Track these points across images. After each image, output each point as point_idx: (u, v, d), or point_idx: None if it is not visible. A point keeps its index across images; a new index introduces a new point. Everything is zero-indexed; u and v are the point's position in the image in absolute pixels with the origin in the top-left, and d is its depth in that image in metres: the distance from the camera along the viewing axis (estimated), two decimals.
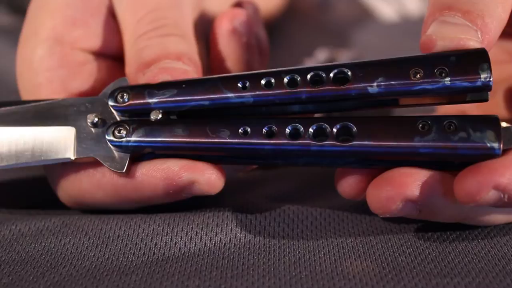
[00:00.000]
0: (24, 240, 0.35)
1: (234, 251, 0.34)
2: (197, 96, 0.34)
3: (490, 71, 0.31)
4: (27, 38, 0.40)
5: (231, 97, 0.34)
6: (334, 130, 0.32)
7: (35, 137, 0.35)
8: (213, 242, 0.34)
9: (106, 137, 0.35)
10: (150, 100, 0.35)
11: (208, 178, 0.34)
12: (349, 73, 0.33)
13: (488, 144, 0.31)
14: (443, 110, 0.39)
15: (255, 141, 0.33)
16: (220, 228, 0.35)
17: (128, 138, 0.34)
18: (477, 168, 0.30)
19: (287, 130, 0.33)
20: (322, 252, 0.33)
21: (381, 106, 0.35)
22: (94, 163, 0.35)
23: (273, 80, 0.34)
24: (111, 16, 0.40)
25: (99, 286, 0.31)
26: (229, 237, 0.35)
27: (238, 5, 0.42)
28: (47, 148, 0.35)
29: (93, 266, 0.33)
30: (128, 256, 0.33)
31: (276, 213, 0.36)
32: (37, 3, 0.40)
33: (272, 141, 0.33)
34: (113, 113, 0.36)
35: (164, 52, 0.36)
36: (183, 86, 0.35)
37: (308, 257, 0.33)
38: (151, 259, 0.33)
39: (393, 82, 0.32)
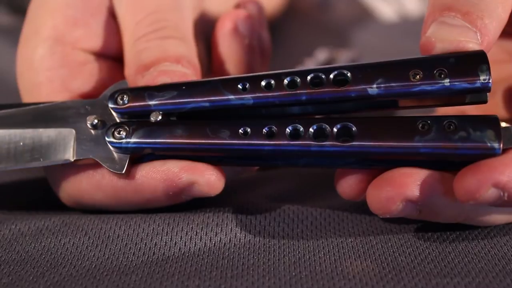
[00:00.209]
0: (24, 240, 0.35)
1: (234, 251, 0.34)
2: (197, 97, 0.34)
3: (489, 72, 0.32)
4: (27, 37, 0.40)
5: (231, 98, 0.34)
6: (335, 130, 0.33)
7: (34, 139, 0.35)
8: (213, 242, 0.34)
9: (106, 138, 0.35)
10: (150, 102, 0.35)
11: (208, 179, 0.34)
12: (349, 74, 0.33)
13: (488, 143, 0.31)
14: (442, 110, 0.39)
15: (255, 141, 0.33)
16: (220, 228, 0.35)
17: (127, 139, 0.34)
18: (476, 166, 0.30)
19: (287, 131, 0.33)
20: (322, 252, 0.33)
21: (381, 108, 0.35)
22: (94, 165, 0.35)
23: (273, 82, 0.34)
24: (112, 17, 0.40)
25: (99, 286, 0.31)
26: (229, 237, 0.35)
27: (241, 5, 0.42)
28: (47, 150, 0.35)
29: (93, 266, 0.33)
30: (128, 256, 0.33)
31: (276, 213, 0.36)
32: (38, 3, 0.40)
33: (272, 142, 0.33)
34: (113, 115, 0.36)
35: (163, 55, 0.36)
36: (183, 87, 0.35)
37: (308, 257, 0.33)
38: (151, 259, 0.33)
39: (392, 83, 0.32)
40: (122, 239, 0.34)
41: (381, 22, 0.69)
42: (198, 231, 0.35)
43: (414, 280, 0.31)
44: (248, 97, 0.34)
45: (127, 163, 0.34)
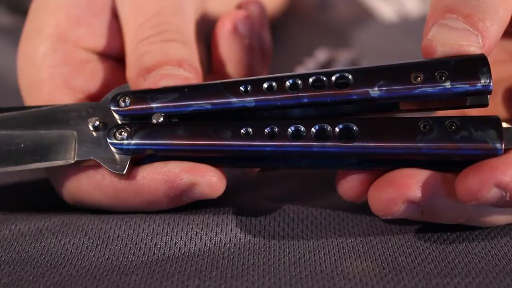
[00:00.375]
0: (24, 240, 0.35)
1: (234, 251, 0.34)
2: (199, 99, 0.35)
3: (490, 75, 0.32)
4: (29, 35, 0.40)
5: (233, 101, 0.34)
6: (337, 130, 0.33)
7: (35, 140, 0.35)
8: (213, 242, 0.34)
9: (107, 139, 0.35)
10: (152, 104, 0.35)
11: (209, 180, 0.34)
12: (350, 77, 0.33)
13: (491, 143, 0.31)
14: (443, 113, 0.39)
15: (257, 142, 0.33)
16: (220, 228, 0.35)
17: (129, 140, 0.34)
18: (478, 166, 0.30)
19: (289, 131, 0.33)
20: (322, 252, 0.33)
21: (382, 110, 0.35)
22: (96, 165, 0.35)
23: (274, 84, 0.34)
24: (115, 17, 0.40)
25: (99, 286, 0.31)
26: (229, 237, 0.35)
27: (242, 6, 0.42)
28: (48, 151, 0.35)
29: (93, 266, 0.33)
30: (128, 256, 0.33)
31: (276, 213, 0.36)
32: (40, 2, 0.40)
33: (274, 142, 0.33)
34: (114, 117, 0.36)
35: (165, 58, 0.36)
36: (185, 90, 0.35)
37: (308, 257, 0.33)
38: (151, 259, 0.33)
39: (394, 86, 0.33)
40: (122, 239, 0.34)
41: (381, 22, 0.69)
42: (198, 231, 0.35)
43: (414, 280, 0.31)
44: (250, 100, 0.34)
45: (128, 164, 0.34)
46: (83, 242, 0.34)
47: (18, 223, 0.36)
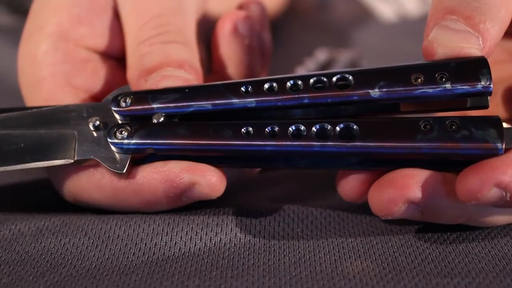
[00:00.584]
0: (24, 240, 0.35)
1: (234, 251, 0.34)
2: (200, 100, 0.35)
3: (490, 77, 0.32)
4: (31, 33, 0.40)
5: (234, 101, 0.34)
6: (337, 129, 0.33)
7: (35, 140, 0.35)
8: (213, 242, 0.34)
9: (108, 138, 0.35)
10: (153, 105, 0.35)
11: (209, 180, 0.34)
12: (351, 78, 0.33)
13: (491, 142, 0.31)
14: (444, 114, 0.39)
15: (258, 141, 0.33)
16: (220, 228, 0.35)
17: (129, 140, 0.34)
18: (479, 166, 0.30)
19: (290, 130, 0.33)
20: (322, 252, 0.33)
21: (383, 112, 0.35)
22: (96, 164, 0.35)
23: (275, 85, 0.34)
24: (116, 17, 0.40)
25: (99, 286, 0.31)
26: (229, 237, 0.35)
27: (243, 6, 0.43)
28: (48, 151, 0.35)
29: (93, 266, 0.33)
30: (128, 256, 0.33)
31: (276, 213, 0.36)
32: (42, 1, 0.40)
33: (274, 142, 0.33)
34: (115, 117, 0.36)
35: (166, 60, 0.36)
36: (186, 90, 0.35)
37: (308, 257, 0.33)
38: (151, 259, 0.33)
39: (394, 87, 0.33)
40: (122, 239, 0.34)
41: (381, 22, 0.69)
42: (198, 231, 0.35)
43: (415, 280, 0.31)
44: (250, 100, 0.34)
45: (128, 163, 0.34)
46: (83, 242, 0.34)
47: (18, 223, 0.36)
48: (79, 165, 0.36)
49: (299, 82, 0.34)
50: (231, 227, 0.35)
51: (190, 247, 0.34)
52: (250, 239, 0.35)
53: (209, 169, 0.34)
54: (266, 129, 0.33)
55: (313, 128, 0.33)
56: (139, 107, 0.35)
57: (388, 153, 0.32)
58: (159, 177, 0.34)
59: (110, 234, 0.35)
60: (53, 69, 0.38)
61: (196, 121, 0.35)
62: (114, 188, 0.35)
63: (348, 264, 0.32)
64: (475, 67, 0.32)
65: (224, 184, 0.35)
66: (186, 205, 0.36)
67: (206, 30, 0.43)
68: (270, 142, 0.33)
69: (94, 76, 0.39)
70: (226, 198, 0.36)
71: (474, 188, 0.30)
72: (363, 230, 0.35)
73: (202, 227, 0.35)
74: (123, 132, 0.34)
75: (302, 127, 0.33)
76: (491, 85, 0.32)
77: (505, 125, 0.32)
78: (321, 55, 0.55)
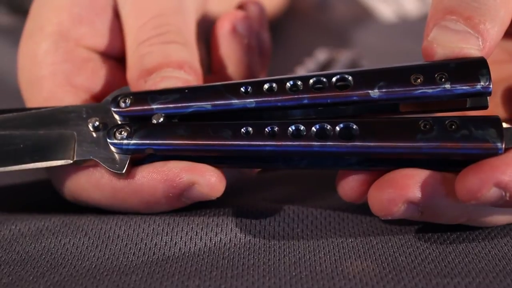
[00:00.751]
0: (24, 240, 0.35)
1: (234, 251, 0.34)
2: (200, 100, 0.35)
3: (490, 77, 0.32)
4: (31, 33, 0.40)
5: (234, 102, 0.34)
6: (337, 129, 0.33)
7: (35, 140, 0.35)
8: (213, 242, 0.34)
9: (107, 139, 0.35)
10: (152, 105, 0.35)
11: (208, 180, 0.34)
12: (350, 78, 0.33)
13: (491, 142, 0.31)
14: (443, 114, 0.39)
15: (257, 141, 0.33)
16: (220, 228, 0.35)
17: (129, 140, 0.34)
18: (478, 166, 0.30)
19: (290, 130, 0.33)
20: (322, 252, 0.33)
21: (382, 112, 0.35)
22: (96, 165, 0.35)
23: (275, 85, 0.34)
24: (117, 17, 0.40)
25: (99, 286, 0.31)
26: (229, 237, 0.35)
27: (242, 6, 0.43)
28: (47, 151, 0.35)
29: (93, 266, 0.33)
30: (128, 256, 0.33)
31: (276, 213, 0.36)
32: (42, 0, 0.40)
33: (274, 142, 0.33)
34: (114, 118, 0.36)
35: (166, 60, 0.36)
36: (186, 91, 0.35)
37: (308, 257, 0.33)
38: (151, 259, 0.33)
39: (394, 87, 0.33)
40: (122, 239, 0.34)
41: (380, 22, 0.69)
42: (198, 231, 0.35)
43: (415, 280, 0.31)
44: (250, 100, 0.34)
45: (127, 163, 0.34)
46: (83, 242, 0.34)
47: (18, 223, 0.36)
48: (79, 166, 0.36)
49: (299, 83, 0.34)
50: (231, 227, 0.35)
51: (190, 247, 0.34)
52: (250, 239, 0.35)
53: (208, 169, 0.34)
54: (266, 129, 0.33)
55: (313, 128, 0.33)
56: (139, 107, 0.35)
57: (387, 153, 0.32)
58: (158, 177, 0.34)
59: (110, 234, 0.35)
60: (54, 68, 0.38)
61: (196, 121, 0.35)
62: (113, 188, 0.35)
63: (348, 264, 0.32)
64: (475, 68, 0.32)
65: (224, 184, 0.34)
66: (186, 206, 0.36)
67: (206, 30, 0.43)
68: (270, 142, 0.33)
69: (94, 76, 0.39)
70: (226, 199, 0.36)
71: (474, 187, 0.30)
72: (363, 230, 0.35)
73: (202, 227, 0.35)
74: (123, 133, 0.34)
75: (302, 127, 0.33)
76: (491, 86, 0.32)
77: (504, 125, 0.32)
78: (321, 55, 0.55)
